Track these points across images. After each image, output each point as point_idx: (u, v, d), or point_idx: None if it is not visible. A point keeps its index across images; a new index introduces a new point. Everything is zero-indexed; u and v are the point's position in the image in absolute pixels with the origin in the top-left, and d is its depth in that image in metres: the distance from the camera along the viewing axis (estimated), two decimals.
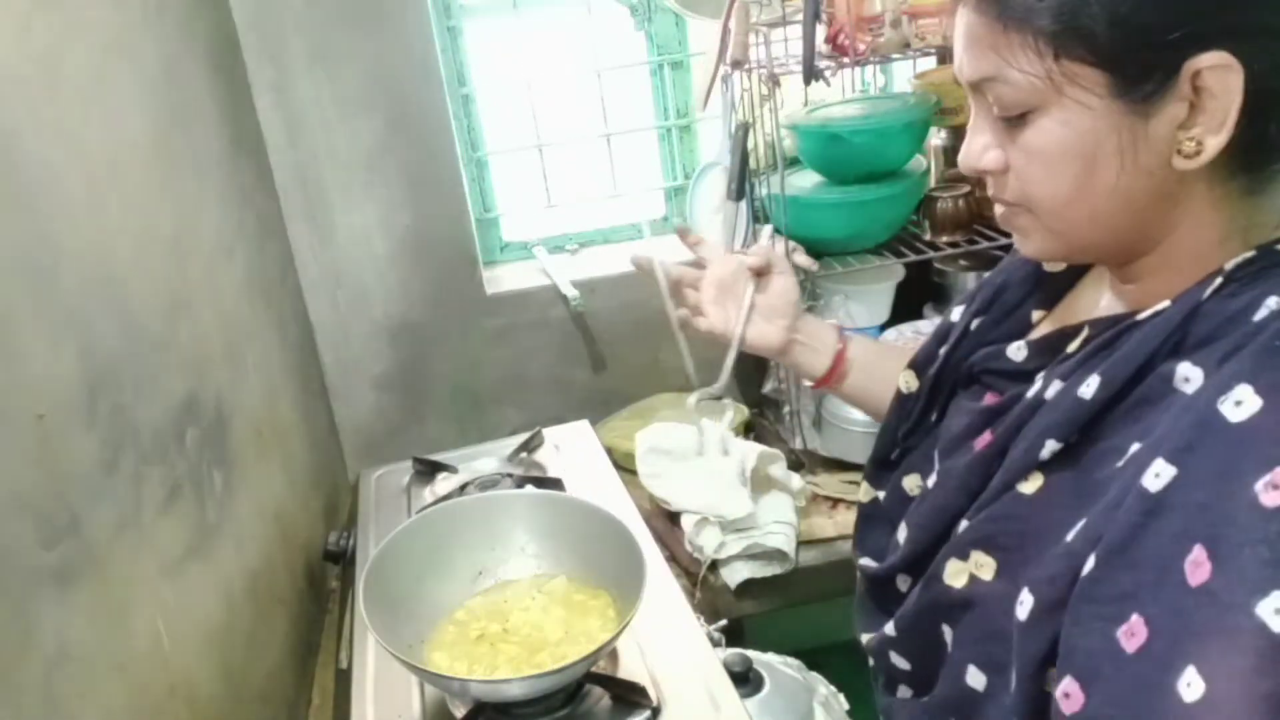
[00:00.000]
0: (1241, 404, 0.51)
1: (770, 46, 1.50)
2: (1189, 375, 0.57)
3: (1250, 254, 0.58)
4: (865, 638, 0.84)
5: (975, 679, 0.67)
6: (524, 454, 1.47)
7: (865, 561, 0.86)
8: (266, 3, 1.62)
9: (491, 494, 1.19)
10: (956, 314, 0.83)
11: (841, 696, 1.07)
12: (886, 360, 0.95)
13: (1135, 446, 0.58)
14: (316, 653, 1.30)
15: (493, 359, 1.94)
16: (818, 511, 1.52)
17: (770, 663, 1.05)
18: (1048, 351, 0.70)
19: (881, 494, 0.88)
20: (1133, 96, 0.56)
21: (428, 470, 1.44)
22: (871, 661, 0.91)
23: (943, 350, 0.82)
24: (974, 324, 0.80)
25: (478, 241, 1.91)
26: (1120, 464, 0.58)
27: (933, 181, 1.77)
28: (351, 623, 1.14)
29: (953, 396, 0.82)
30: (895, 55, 1.49)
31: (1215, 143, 0.56)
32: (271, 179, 1.70)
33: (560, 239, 2.09)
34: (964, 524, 0.70)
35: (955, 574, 0.68)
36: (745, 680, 0.98)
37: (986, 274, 0.84)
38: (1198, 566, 0.50)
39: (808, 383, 0.99)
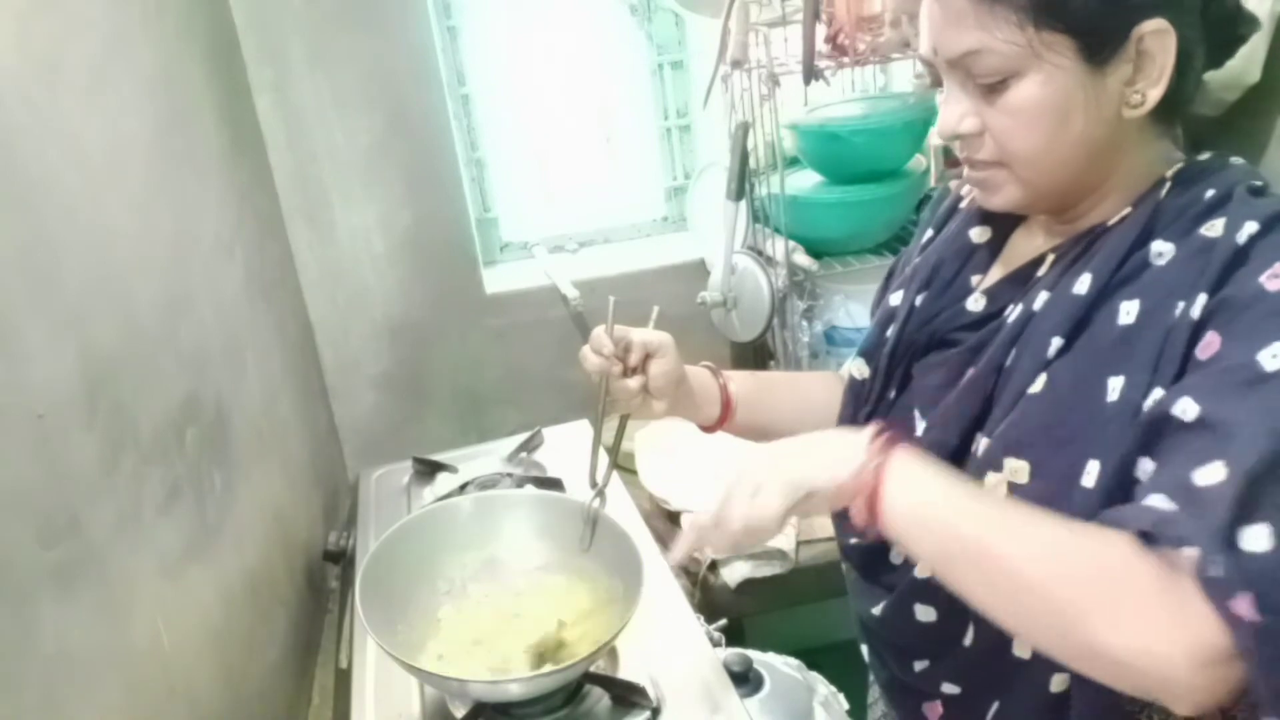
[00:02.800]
0: (1251, 235, 0.65)
1: (770, 46, 1.50)
2: (1161, 250, 0.69)
3: (1180, 165, 0.72)
4: (875, 610, 0.85)
5: None
6: (524, 454, 1.47)
7: (855, 540, 0.88)
8: (266, 3, 1.62)
9: (489, 493, 1.19)
10: (896, 298, 0.90)
11: (841, 696, 1.07)
12: (763, 390, 1.01)
13: (1132, 303, 0.68)
14: (316, 653, 1.30)
15: (493, 359, 1.94)
16: None
17: (770, 663, 1.05)
18: (1007, 291, 0.80)
19: None
20: (1095, 59, 0.67)
21: (428, 470, 1.44)
22: (867, 648, 0.91)
23: (890, 331, 0.88)
24: (919, 300, 0.87)
25: (477, 241, 1.91)
26: (1129, 321, 0.68)
27: (933, 181, 1.77)
28: (351, 623, 1.14)
29: (907, 372, 0.87)
30: (895, 55, 1.49)
31: (1155, 94, 0.68)
32: (271, 179, 1.70)
33: (560, 239, 2.09)
34: (983, 441, 0.74)
35: (994, 486, 0.72)
36: (745, 680, 0.98)
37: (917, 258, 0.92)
38: (1208, 346, 0.63)
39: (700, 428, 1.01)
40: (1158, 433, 0.63)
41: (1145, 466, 0.64)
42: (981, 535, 0.63)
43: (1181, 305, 0.65)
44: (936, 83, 0.76)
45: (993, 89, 0.70)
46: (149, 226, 0.96)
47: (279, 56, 1.66)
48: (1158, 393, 0.65)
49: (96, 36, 0.91)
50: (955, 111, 0.73)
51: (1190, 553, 0.56)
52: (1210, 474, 0.58)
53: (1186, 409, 0.61)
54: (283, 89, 1.68)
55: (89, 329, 0.76)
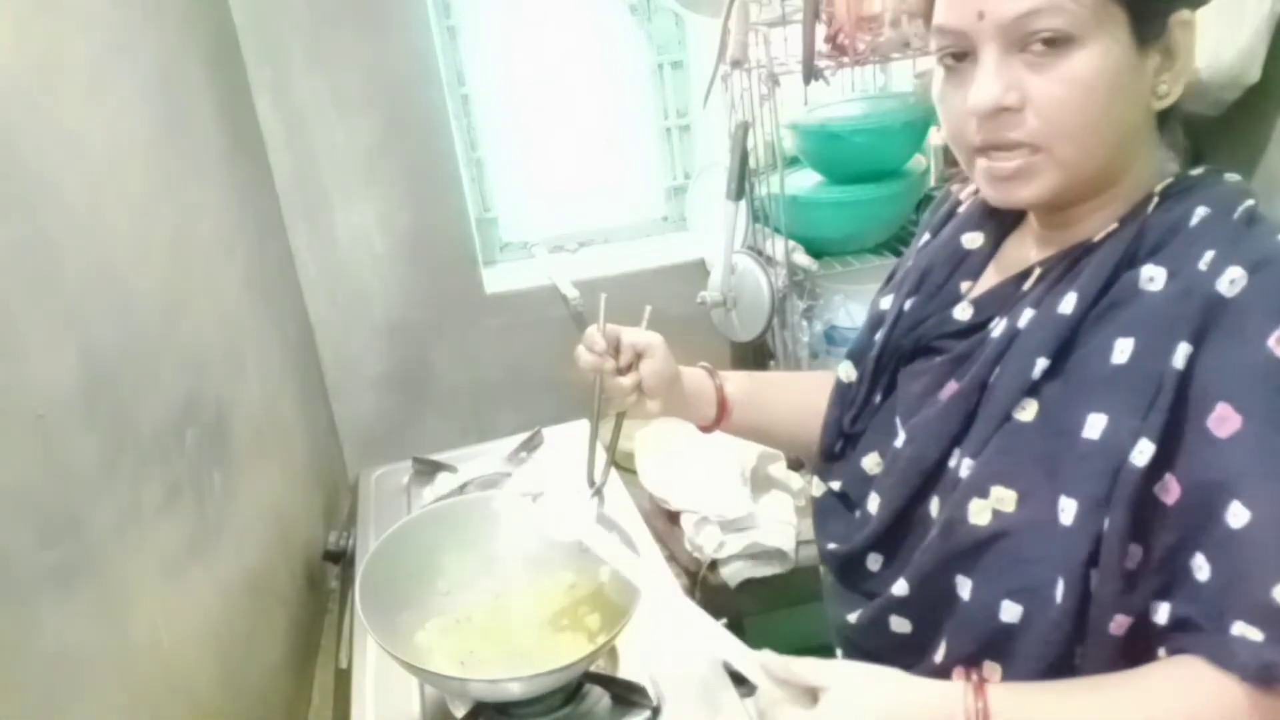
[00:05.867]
0: (1235, 281, 0.62)
1: (770, 46, 1.50)
2: (1153, 275, 0.67)
3: (1170, 179, 0.70)
4: (851, 618, 0.85)
5: (1010, 613, 0.71)
6: (524, 454, 1.47)
7: (833, 546, 0.89)
8: (266, 3, 1.62)
9: (489, 493, 1.19)
10: (886, 302, 0.89)
11: None
12: (761, 391, 1.01)
13: (1127, 341, 0.66)
14: (316, 653, 1.30)
15: (493, 359, 1.94)
16: None
17: None
18: (994, 303, 0.78)
19: (835, 484, 0.91)
20: (1141, 40, 0.66)
21: (428, 470, 1.44)
22: (841, 654, 0.92)
23: (879, 335, 0.88)
24: (907, 305, 0.86)
25: (477, 241, 1.91)
26: (1122, 360, 0.66)
27: (933, 181, 1.77)
28: (351, 622, 1.14)
29: (894, 377, 0.87)
30: (895, 55, 1.49)
31: (1178, 89, 0.67)
32: (271, 179, 1.70)
33: (560, 239, 2.09)
34: (967, 463, 0.74)
35: (979, 512, 0.72)
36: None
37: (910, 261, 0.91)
38: (1223, 421, 0.61)
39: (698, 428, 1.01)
40: (1204, 526, 0.62)
41: (1199, 562, 0.63)
42: None
43: (1168, 350, 0.64)
44: (959, 54, 0.70)
45: (1045, 58, 0.66)
46: (149, 226, 0.96)
47: (279, 56, 1.66)
48: (1144, 444, 0.64)
49: (96, 36, 0.91)
50: (999, 84, 0.67)
51: None
52: None
53: (1238, 514, 0.60)
54: (283, 89, 1.68)
55: (89, 329, 0.76)
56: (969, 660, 0.74)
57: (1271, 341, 0.61)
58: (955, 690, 0.66)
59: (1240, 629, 0.60)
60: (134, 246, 0.90)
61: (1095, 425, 0.66)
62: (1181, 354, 0.63)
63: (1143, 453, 0.64)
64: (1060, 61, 0.65)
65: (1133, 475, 0.64)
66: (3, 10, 0.71)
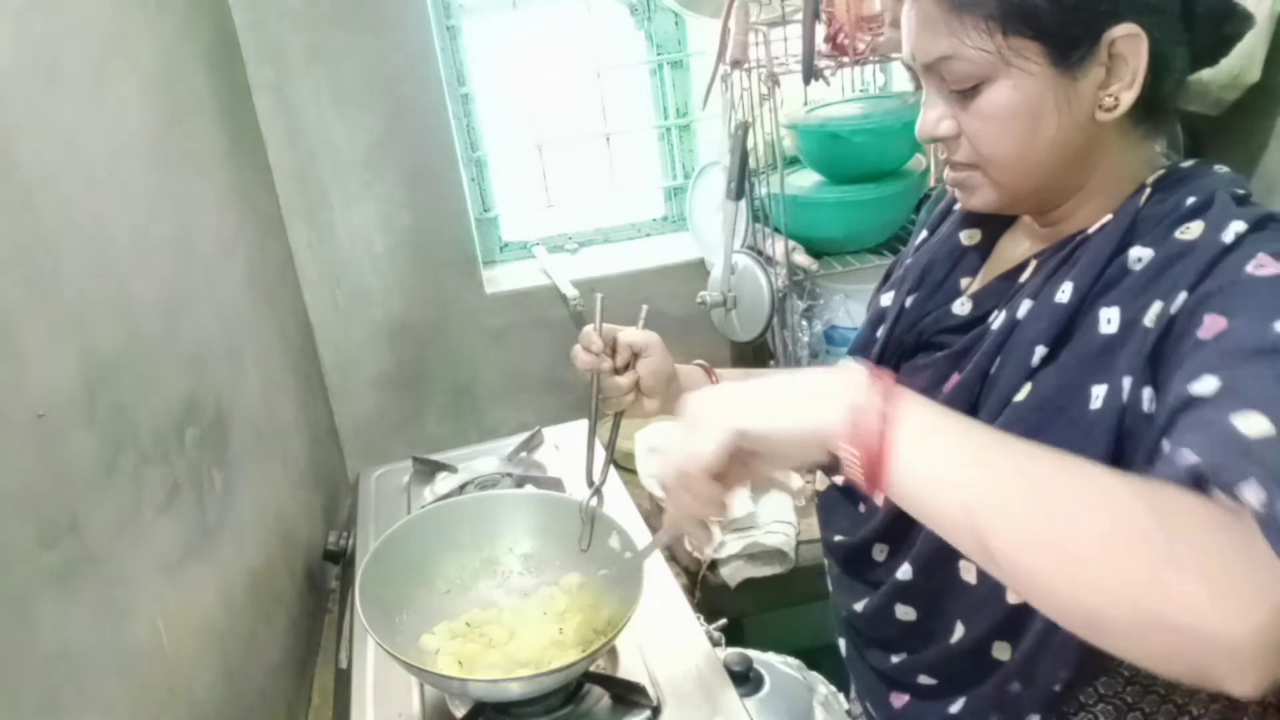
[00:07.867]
0: (1238, 234, 0.64)
1: (770, 46, 1.50)
2: (1141, 255, 0.68)
3: (1161, 172, 0.72)
4: (857, 606, 0.86)
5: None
6: (524, 454, 1.47)
7: (839, 538, 0.89)
8: (266, 3, 1.62)
9: (489, 493, 1.19)
10: (887, 299, 0.90)
11: (841, 696, 1.07)
12: None
13: (1112, 310, 0.68)
14: (316, 653, 1.30)
15: (493, 359, 1.94)
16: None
17: (770, 662, 1.05)
18: (992, 296, 0.80)
19: (839, 478, 0.91)
20: (1065, 64, 0.67)
21: (427, 470, 1.44)
22: (844, 642, 0.92)
23: (881, 331, 0.89)
24: (908, 301, 0.87)
25: (477, 241, 1.91)
26: (1111, 331, 0.68)
27: (932, 181, 1.77)
28: (351, 622, 1.14)
29: (895, 371, 0.87)
30: (895, 55, 1.49)
31: (1129, 97, 0.68)
32: (271, 178, 1.70)
33: (560, 239, 2.09)
34: None
35: None
36: (745, 680, 0.98)
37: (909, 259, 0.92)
38: (1211, 327, 0.60)
39: None
40: (1180, 414, 0.57)
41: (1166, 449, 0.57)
42: (1026, 494, 0.53)
43: (1159, 305, 0.64)
44: (918, 85, 0.77)
45: (966, 93, 0.70)
46: (149, 226, 0.96)
47: (279, 56, 1.66)
48: (1145, 392, 0.64)
49: (96, 36, 0.91)
50: (933, 115, 0.74)
51: (1255, 495, 0.47)
52: (1252, 424, 0.50)
53: (1208, 384, 0.55)
54: (282, 88, 1.68)
55: (89, 329, 0.76)
56: (982, 640, 0.75)
57: (1250, 266, 0.62)
58: (853, 379, 0.58)
59: (1184, 456, 0.52)
60: (134, 246, 0.90)
61: (1098, 396, 0.67)
62: (1179, 301, 0.63)
63: (1139, 399, 0.64)
64: (975, 97, 0.70)
65: (1138, 424, 0.64)
66: (3, 10, 0.71)
